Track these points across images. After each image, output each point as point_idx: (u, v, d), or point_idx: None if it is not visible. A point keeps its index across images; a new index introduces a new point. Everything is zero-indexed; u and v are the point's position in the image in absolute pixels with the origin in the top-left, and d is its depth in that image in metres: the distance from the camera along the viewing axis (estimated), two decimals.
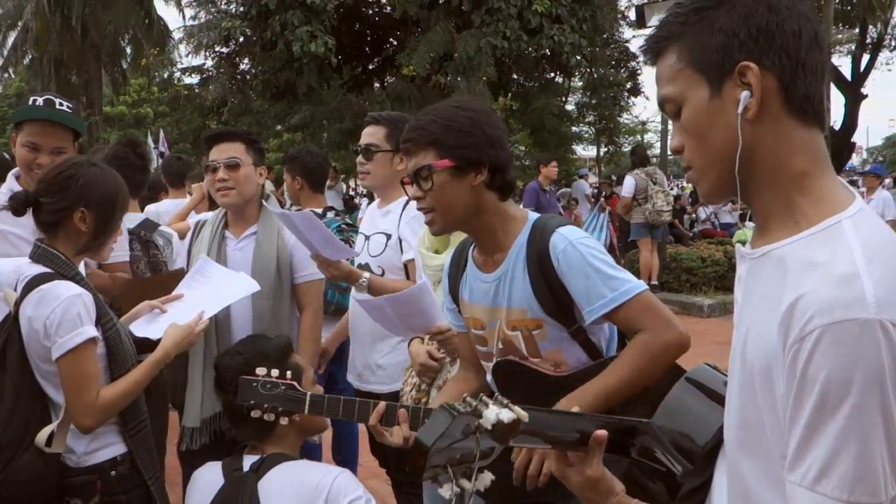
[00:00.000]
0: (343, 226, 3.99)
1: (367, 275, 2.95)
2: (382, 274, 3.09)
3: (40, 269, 2.23)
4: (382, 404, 2.06)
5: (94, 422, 2.21)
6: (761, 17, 1.04)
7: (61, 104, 2.93)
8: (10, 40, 25.66)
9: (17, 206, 2.25)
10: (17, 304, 2.21)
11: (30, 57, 24.93)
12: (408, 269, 3.05)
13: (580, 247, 1.95)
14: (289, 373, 2.21)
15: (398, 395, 2.80)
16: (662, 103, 1.14)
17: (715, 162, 1.10)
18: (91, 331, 2.18)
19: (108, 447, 2.29)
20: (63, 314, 2.14)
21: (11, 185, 3.00)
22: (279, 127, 16.97)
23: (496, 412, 1.06)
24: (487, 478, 1.10)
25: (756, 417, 1.01)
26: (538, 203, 9.70)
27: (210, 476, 2.25)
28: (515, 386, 2.04)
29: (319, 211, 4.34)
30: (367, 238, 3.19)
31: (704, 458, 1.18)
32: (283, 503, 2.08)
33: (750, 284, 1.09)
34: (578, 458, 1.32)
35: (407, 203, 3.06)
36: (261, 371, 2.18)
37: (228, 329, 2.95)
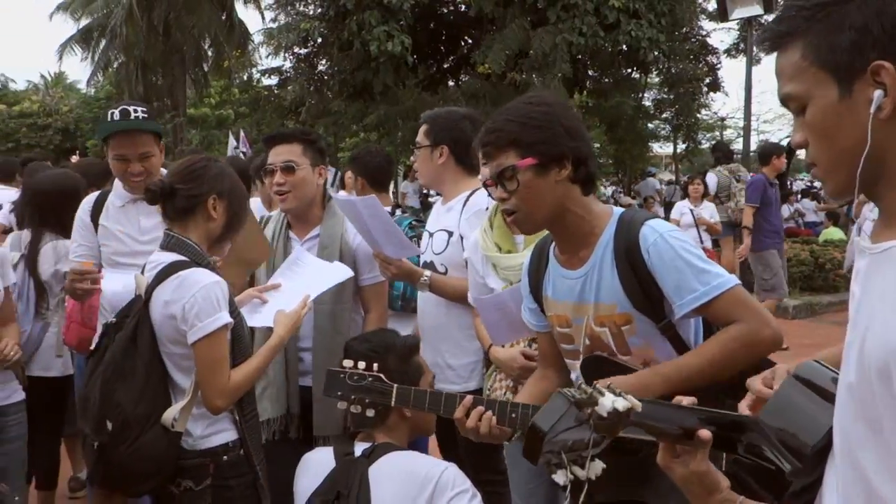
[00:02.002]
0: (414, 222, 4.01)
1: (428, 273, 2.94)
2: (446, 272, 3.06)
3: (175, 256, 2.33)
4: (469, 398, 2.06)
5: (227, 403, 2.31)
6: (895, 12, 1.00)
7: (136, 111, 3.05)
8: (101, 46, 26.78)
9: (153, 194, 2.36)
10: (150, 288, 2.31)
11: (118, 61, 25.96)
12: (469, 265, 3.01)
13: (671, 239, 1.93)
14: (372, 366, 2.21)
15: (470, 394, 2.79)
16: (784, 100, 1.11)
17: (843, 161, 1.06)
18: (226, 317, 2.28)
19: (222, 433, 2.37)
20: (203, 299, 2.24)
21: (118, 190, 3.18)
22: (355, 127, 17.22)
23: (612, 400, 1.05)
24: (599, 466, 1.10)
25: (874, 414, 0.98)
26: (764, 198, 7.91)
27: (321, 458, 2.31)
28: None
29: (388, 209, 4.38)
30: (431, 235, 3.18)
31: (815, 456, 1.14)
32: (391, 488, 2.13)
33: (870, 280, 1.04)
34: (684, 451, 1.30)
35: (467, 199, 3.05)
36: (347, 363, 2.22)
37: (296, 335, 2.98)
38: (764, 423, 1.27)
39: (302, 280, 2.77)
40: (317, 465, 2.30)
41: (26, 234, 3.72)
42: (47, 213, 3.65)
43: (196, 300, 2.23)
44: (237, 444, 2.38)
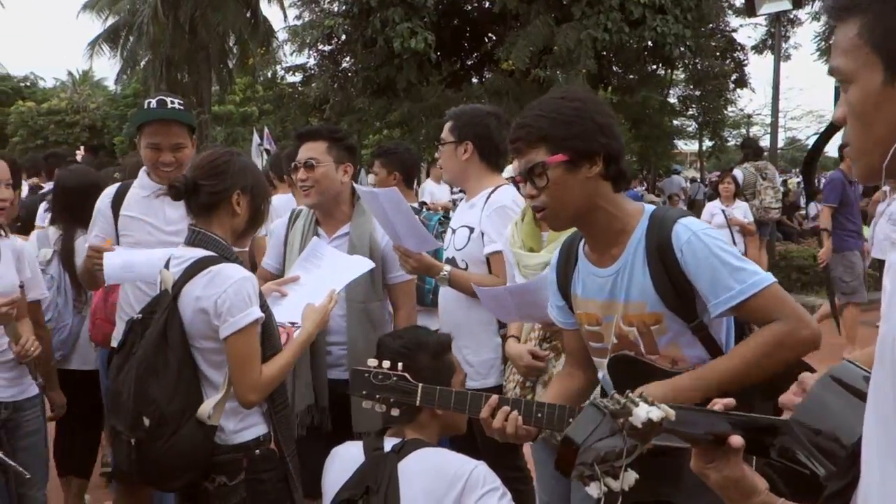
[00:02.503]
0: (443, 218, 4.05)
1: (447, 268, 2.97)
2: (466, 268, 3.08)
3: (201, 252, 2.33)
4: (494, 397, 2.05)
5: (259, 398, 2.33)
6: None
7: (172, 102, 3.08)
8: (128, 44, 27.07)
9: (177, 190, 2.36)
10: (179, 284, 2.31)
11: (146, 59, 26.23)
12: (489, 261, 3.04)
13: (704, 237, 1.89)
14: (397, 365, 2.21)
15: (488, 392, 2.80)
16: (832, 72, 1.08)
17: (876, 147, 1.03)
18: (258, 312, 2.29)
19: (254, 427, 2.39)
20: (235, 295, 2.25)
21: (143, 180, 3.18)
22: (378, 124, 17.25)
23: (646, 410, 1.03)
24: (632, 476, 1.07)
25: None
26: (843, 198, 7.25)
27: (350, 452, 2.31)
28: (632, 381, 1.98)
29: (416, 205, 4.39)
30: (454, 231, 3.21)
31: (849, 458, 1.11)
32: (421, 484, 2.12)
33: None
34: (718, 456, 1.28)
35: (489, 196, 3.07)
36: (372, 362, 2.21)
37: (324, 329, 3.00)
38: (796, 426, 1.24)
39: (322, 273, 2.77)
40: (345, 459, 2.30)
41: (53, 231, 3.77)
42: (76, 208, 3.70)
43: (228, 295, 2.24)
44: (268, 438, 2.40)
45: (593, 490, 1.05)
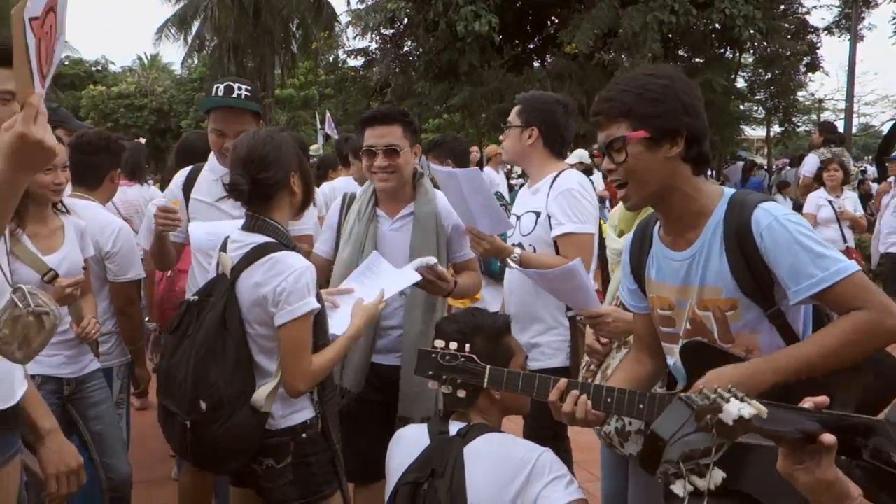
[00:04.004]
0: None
1: (518, 250, 2.97)
2: (534, 251, 3.08)
3: (261, 237, 2.35)
4: (563, 381, 2.02)
5: (307, 387, 2.35)
6: None
7: (240, 88, 3.10)
8: (194, 29, 27.63)
9: (240, 192, 2.36)
10: (238, 269, 2.33)
11: (212, 44, 26.74)
12: (557, 244, 3.03)
13: (787, 223, 1.83)
14: (464, 346, 2.19)
15: (555, 372, 2.79)
16: None
17: None
18: (314, 302, 2.30)
19: (301, 411, 2.40)
20: (294, 283, 2.27)
21: (213, 164, 3.25)
22: (438, 108, 17.24)
23: (738, 407, 0.99)
24: (719, 475, 1.03)
25: None
26: None
27: (415, 435, 2.32)
28: (705, 369, 1.94)
29: None
30: (519, 218, 3.20)
31: None
32: (486, 469, 2.11)
33: None
34: (807, 457, 1.21)
35: (555, 180, 3.06)
36: (439, 343, 2.20)
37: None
38: (891, 426, 1.18)
39: (375, 284, 2.75)
40: (410, 442, 2.30)
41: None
42: None
43: (288, 283, 2.25)
44: (315, 422, 2.41)
45: (678, 488, 1.01)
